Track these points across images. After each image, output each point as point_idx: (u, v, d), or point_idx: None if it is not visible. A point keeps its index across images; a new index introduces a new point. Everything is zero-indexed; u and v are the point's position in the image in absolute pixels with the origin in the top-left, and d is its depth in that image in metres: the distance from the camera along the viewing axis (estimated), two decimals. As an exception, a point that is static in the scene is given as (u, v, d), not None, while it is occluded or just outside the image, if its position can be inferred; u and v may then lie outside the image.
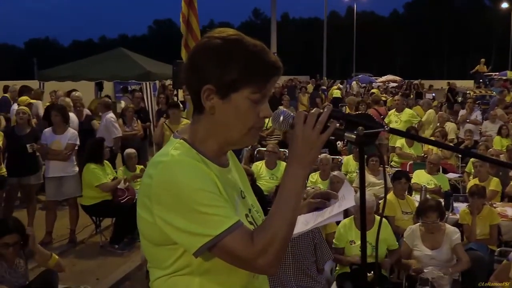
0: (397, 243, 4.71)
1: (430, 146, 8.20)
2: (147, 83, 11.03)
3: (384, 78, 34.05)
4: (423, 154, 8.25)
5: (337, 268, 4.66)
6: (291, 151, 1.34)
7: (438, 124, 10.27)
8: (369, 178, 6.54)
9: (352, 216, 4.70)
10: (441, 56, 69.77)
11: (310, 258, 3.98)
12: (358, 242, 4.09)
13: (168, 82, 13.64)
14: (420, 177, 6.65)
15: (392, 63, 65.88)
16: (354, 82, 26.64)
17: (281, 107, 8.35)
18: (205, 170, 1.32)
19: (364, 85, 28.10)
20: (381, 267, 4.50)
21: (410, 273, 4.40)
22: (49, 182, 6.25)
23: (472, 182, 6.24)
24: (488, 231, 5.16)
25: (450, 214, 5.54)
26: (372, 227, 4.39)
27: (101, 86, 13.97)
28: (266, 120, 1.44)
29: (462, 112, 11.92)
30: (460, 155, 8.84)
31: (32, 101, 8.47)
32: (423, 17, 71.55)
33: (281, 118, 1.36)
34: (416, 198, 6.10)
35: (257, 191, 5.75)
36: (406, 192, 5.93)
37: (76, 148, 6.33)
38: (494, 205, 5.74)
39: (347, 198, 1.54)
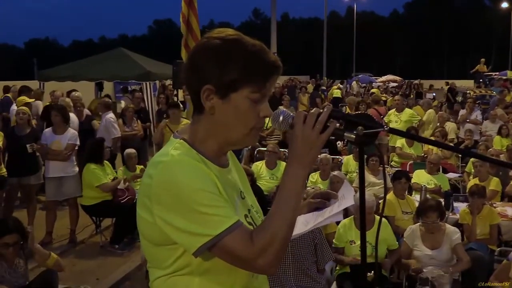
0: (397, 243, 4.71)
1: (430, 146, 8.20)
2: (147, 83, 11.03)
3: (384, 78, 34.06)
4: (423, 154, 8.25)
5: (337, 268, 4.65)
6: (291, 151, 1.34)
7: (438, 124, 10.27)
8: (369, 178, 6.54)
9: (352, 216, 4.70)
10: (441, 56, 69.77)
11: (310, 258, 3.98)
12: (358, 242, 4.09)
13: (168, 82, 13.64)
14: (420, 177, 6.65)
15: (392, 63, 65.89)
16: (354, 82, 26.65)
17: (281, 107, 8.35)
18: (205, 170, 1.32)
19: (364, 85, 28.11)
20: (381, 267, 4.50)
21: (410, 273, 4.40)
22: (49, 182, 6.26)
23: (472, 182, 6.24)
24: (488, 231, 5.15)
25: (450, 214, 5.54)
26: (372, 227, 4.39)
27: (101, 86, 13.96)
28: (266, 120, 1.44)
29: (462, 112, 11.91)
30: (460, 155, 8.84)
31: (29, 100, 8.46)
32: (423, 17, 71.56)
33: (281, 118, 1.36)
34: (416, 198, 6.10)
35: (257, 191, 5.75)
36: (406, 192, 5.94)
37: (76, 148, 6.33)
38: (494, 205, 5.74)
39: (347, 198, 1.54)
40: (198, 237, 1.24)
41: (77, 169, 6.32)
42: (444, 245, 4.47)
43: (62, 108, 6.57)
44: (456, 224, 5.15)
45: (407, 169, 7.37)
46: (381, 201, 4.79)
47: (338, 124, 1.36)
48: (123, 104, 11.36)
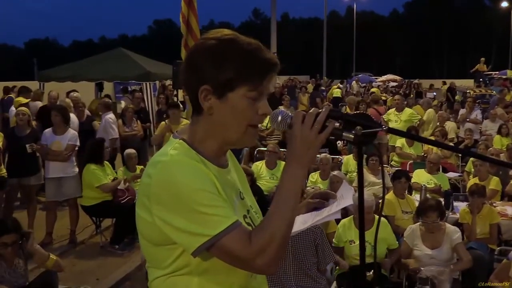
0: (397, 242, 4.71)
1: (430, 146, 8.20)
2: (147, 83, 11.05)
3: (384, 77, 34.08)
4: (423, 154, 8.25)
5: (337, 268, 4.65)
6: (290, 151, 1.34)
7: (438, 124, 10.26)
8: (369, 177, 6.54)
9: (352, 216, 4.70)
10: (441, 56, 69.82)
11: (311, 258, 3.97)
12: (358, 242, 4.09)
13: (168, 82, 13.65)
14: (420, 176, 6.64)
15: (392, 62, 65.94)
16: (354, 81, 26.64)
17: (281, 107, 8.35)
18: (204, 170, 1.32)
19: (364, 84, 28.10)
20: (381, 266, 4.49)
21: (410, 273, 4.40)
22: (49, 183, 6.25)
23: (472, 181, 6.24)
24: (488, 230, 5.15)
25: (450, 213, 5.54)
26: (371, 226, 4.38)
27: (101, 87, 13.97)
28: (266, 120, 1.44)
29: (462, 111, 11.91)
30: (460, 155, 8.84)
31: (26, 100, 8.45)
32: (423, 17, 71.61)
33: (279, 118, 1.36)
34: (416, 197, 6.10)
35: (257, 191, 5.75)
36: (406, 192, 5.93)
37: (76, 148, 6.33)
38: (494, 204, 5.74)
39: (346, 197, 1.54)
40: (197, 237, 1.24)
41: (77, 169, 6.31)
42: (444, 244, 4.47)
43: (62, 108, 6.56)
44: (456, 223, 5.15)
45: (407, 169, 7.37)
46: (381, 200, 4.80)
47: (337, 124, 1.35)
48: (123, 104, 11.35)
